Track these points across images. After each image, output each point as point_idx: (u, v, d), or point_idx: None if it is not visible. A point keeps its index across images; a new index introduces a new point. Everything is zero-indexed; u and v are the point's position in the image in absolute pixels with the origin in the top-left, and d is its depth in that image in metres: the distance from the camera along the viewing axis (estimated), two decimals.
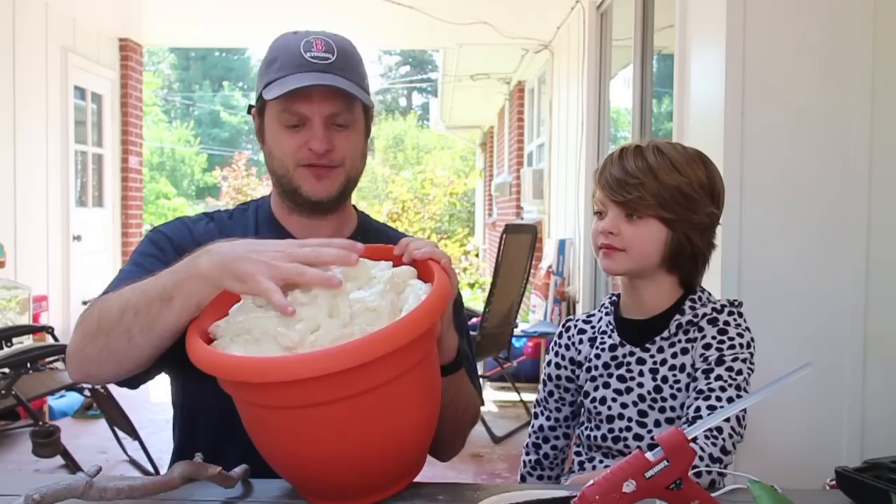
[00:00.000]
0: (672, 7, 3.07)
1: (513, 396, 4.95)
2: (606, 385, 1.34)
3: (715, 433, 1.17)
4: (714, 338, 1.29)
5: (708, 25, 2.68)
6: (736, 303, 1.35)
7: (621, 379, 1.33)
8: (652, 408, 1.30)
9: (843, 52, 2.37)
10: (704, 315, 1.31)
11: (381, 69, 27.11)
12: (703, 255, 1.34)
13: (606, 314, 1.40)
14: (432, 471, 1.11)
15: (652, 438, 1.29)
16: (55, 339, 3.91)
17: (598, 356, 1.36)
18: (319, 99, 1.24)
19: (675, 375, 1.29)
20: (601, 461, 1.33)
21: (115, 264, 6.66)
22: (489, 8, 5.71)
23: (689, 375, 1.29)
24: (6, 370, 3.35)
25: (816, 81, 2.39)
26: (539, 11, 5.87)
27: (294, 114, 1.24)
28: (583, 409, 1.39)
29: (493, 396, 5.14)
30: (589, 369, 1.36)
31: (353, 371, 0.88)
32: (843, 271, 2.39)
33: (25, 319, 4.69)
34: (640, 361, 1.32)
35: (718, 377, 1.24)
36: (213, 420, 1.24)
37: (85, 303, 6.21)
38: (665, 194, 1.27)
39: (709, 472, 1.14)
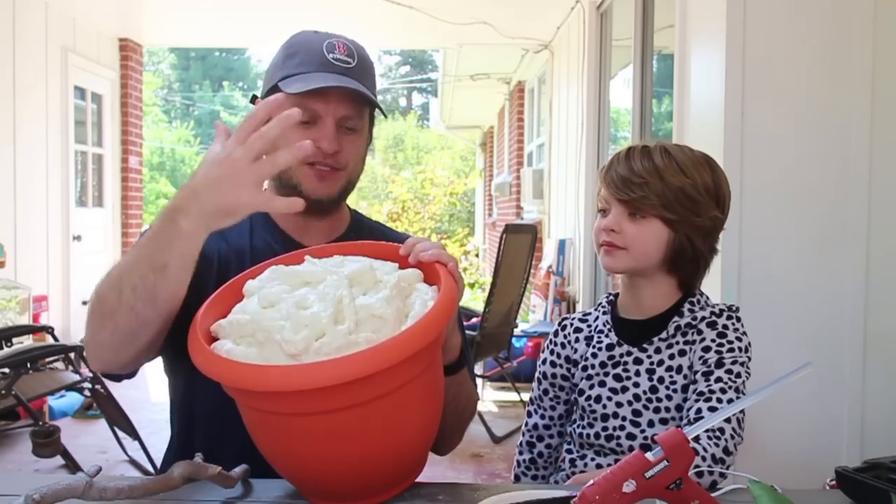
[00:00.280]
0: (672, 7, 3.07)
1: (513, 396, 4.95)
2: (602, 384, 1.34)
3: (717, 434, 1.18)
4: (713, 341, 1.29)
5: (708, 25, 2.68)
6: (734, 308, 1.36)
7: (617, 378, 1.33)
8: (647, 408, 1.30)
9: (843, 52, 2.37)
10: (703, 318, 1.32)
11: (381, 69, 27.10)
12: (705, 259, 1.34)
13: (604, 313, 1.40)
14: (432, 471, 1.11)
15: (645, 438, 1.29)
16: (55, 339, 3.91)
17: (594, 355, 1.36)
18: (336, 100, 1.25)
19: (671, 376, 1.30)
20: (592, 459, 1.34)
21: None
22: (489, 8, 5.71)
23: (685, 377, 1.29)
24: (6, 370, 3.35)
25: (816, 81, 2.39)
26: (539, 11, 5.87)
27: (308, 110, 1.24)
28: (576, 407, 1.39)
29: (493, 396, 5.14)
30: (585, 368, 1.37)
31: (358, 382, 0.88)
32: (843, 271, 2.39)
33: (25, 319, 4.69)
34: (637, 361, 1.33)
35: (718, 379, 1.24)
36: (211, 419, 1.24)
37: (85, 303, 6.22)
38: (669, 195, 1.27)
39: (710, 473, 1.15)
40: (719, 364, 1.26)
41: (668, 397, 1.29)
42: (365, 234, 1.40)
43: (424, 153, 20.79)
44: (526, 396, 4.66)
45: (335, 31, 1.33)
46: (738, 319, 1.34)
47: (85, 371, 3.77)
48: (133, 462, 3.75)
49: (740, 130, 2.41)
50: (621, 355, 1.34)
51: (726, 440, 1.17)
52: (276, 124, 0.99)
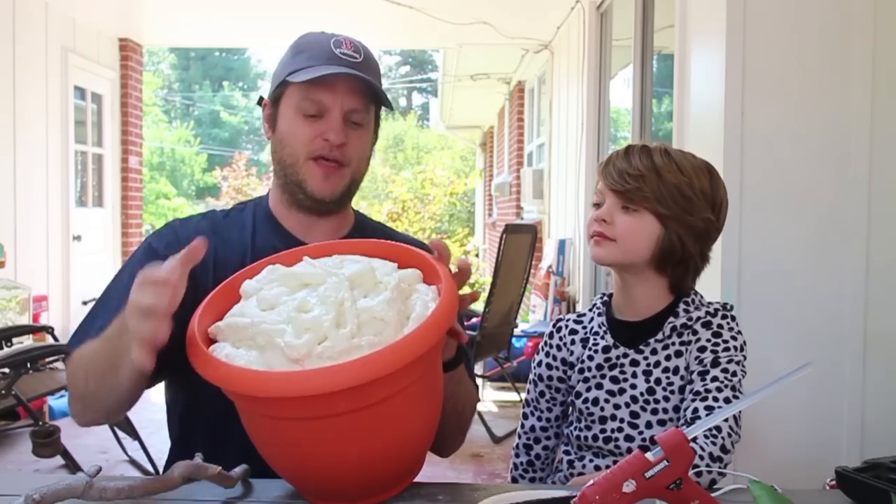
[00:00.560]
0: (672, 7, 3.07)
1: (513, 396, 4.95)
2: (599, 386, 1.34)
3: (714, 432, 1.18)
4: (709, 341, 1.29)
5: (708, 25, 2.68)
6: (728, 306, 1.36)
7: (614, 380, 1.33)
8: (644, 409, 1.30)
9: (843, 52, 2.37)
10: (698, 318, 1.32)
11: (381, 69, 27.05)
12: (695, 263, 1.33)
13: (599, 315, 1.40)
14: (432, 471, 1.11)
15: (643, 440, 1.29)
16: (55, 339, 3.91)
17: (591, 357, 1.36)
18: (343, 92, 1.26)
19: (668, 378, 1.30)
20: (591, 460, 1.34)
21: (115, 264, 6.66)
22: (489, 8, 5.71)
23: (682, 378, 1.29)
24: (6, 370, 3.35)
25: (816, 81, 2.39)
26: (539, 11, 5.87)
27: (315, 102, 1.26)
28: (573, 409, 1.39)
29: (493, 396, 5.14)
30: (581, 370, 1.36)
31: (360, 387, 0.88)
32: (842, 271, 2.39)
33: (25, 319, 4.70)
34: (634, 363, 1.32)
35: (714, 378, 1.25)
36: (213, 420, 1.24)
37: (85, 303, 6.20)
38: (664, 191, 1.28)
39: (709, 472, 1.15)
40: (715, 363, 1.26)
41: (666, 398, 1.29)
42: (368, 235, 1.39)
43: (424, 153, 20.79)
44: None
45: (335, 31, 1.33)
46: (733, 318, 1.34)
47: None
48: (133, 462, 3.75)
49: (740, 130, 2.41)
50: (618, 357, 1.34)
51: (723, 438, 1.17)
52: (150, 290, 0.97)
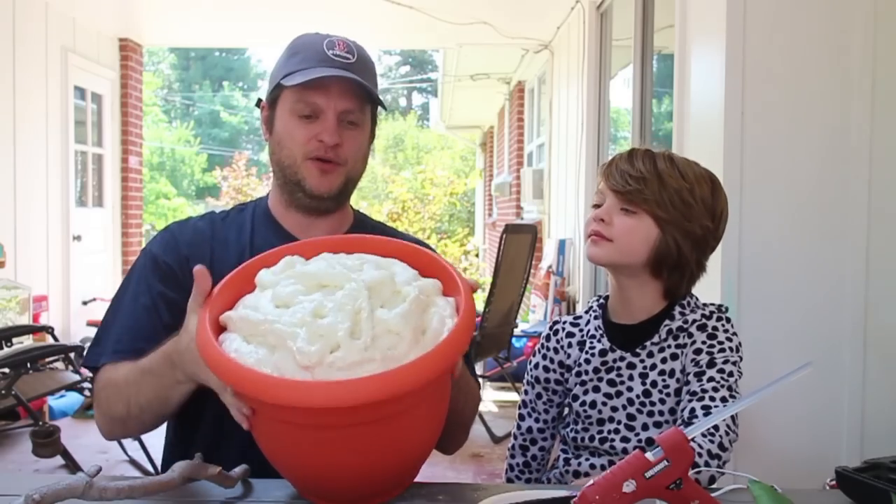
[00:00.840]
0: (672, 7, 3.07)
1: (513, 396, 4.95)
2: (596, 389, 1.34)
3: (712, 430, 1.18)
4: (704, 342, 1.30)
5: (708, 25, 2.68)
6: (723, 309, 1.37)
7: (611, 383, 1.34)
8: (640, 411, 1.31)
9: (843, 52, 2.37)
10: (694, 321, 1.32)
11: (381, 69, 27.09)
12: (690, 270, 1.33)
13: (595, 318, 1.40)
14: (432, 471, 1.12)
15: (640, 441, 1.30)
16: (55, 339, 3.91)
17: (587, 360, 1.36)
18: (336, 94, 1.27)
19: (664, 380, 1.30)
20: (587, 459, 1.34)
21: (115, 264, 6.66)
22: (489, 8, 5.71)
23: (678, 380, 1.30)
24: (6, 370, 3.35)
25: (816, 81, 2.39)
26: (539, 11, 5.87)
27: (309, 104, 1.27)
28: (569, 411, 1.39)
29: (493, 396, 5.14)
30: (579, 373, 1.37)
31: (368, 405, 0.88)
32: (842, 271, 2.39)
33: (25, 319, 4.69)
34: (631, 366, 1.33)
35: (710, 378, 1.25)
36: (214, 420, 1.24)
37: (85, 303, 6.17)
38: (664, 195, 1.28)
39: (707, 469, 1.15)
40: (711, 364, 1.27)
41: (662, 401, 1.30)
42: (367, 233, 1.40)
43: (424, 153, 20.79)
44: None
45: (335, 31, 1.34)
46: (728, 321, 1.35)
47: (85, 371, 3.78)
48: (133, 462, 3.75)
49: (740, 130, 2.41)
50: (614, 360, 1.34)
51: (721, 436, 1.18)
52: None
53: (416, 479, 1.09)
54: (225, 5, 5.95)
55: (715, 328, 1.32)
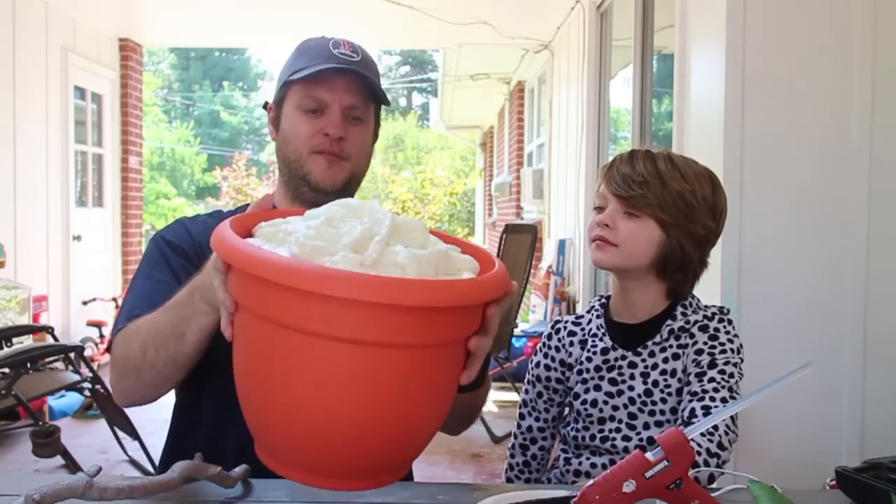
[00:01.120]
0: (672, 7, 3.07)
1: (513, 396, 4.95)
2: (598, 388, 1.35)
3: (711, 430, 1.19)
4: (706, 343, 1.30)
5: (708, 25, 2.68)
6: (725, 310, 1.37)
7: (613, 382, 1.34)
8: (642, 411, 1.31)
9: (843, 52, 2.37)
10: (696, 322, 1.33)
11: (381, 69, 26.95)
12: (694, 269, 1.34)
13: (597, 317, 1.40)
14: (432, 471, 1.12)
15: (641, 441, 1.30)
16: (55, 339, 3.91)
17: (589, 359, 1.37)
18: (341, 89, 1.30)
19: (665, 380, 1.31)
20: (588, 458, 1.35)
21: (115, 264, 6.66)
22: (489, 8, 5.71)
23: (679, 380, 1.31)
24: (6, 370, 3.35)
25: (816, 81, 2.39)
26: (539, 11, 5.87)
27: (315, 99, 1.30)
28: (570, 410, 1.39)
29: (493, 396, 5.14)
30: (580, 372, 1.37)
31: (416, 313, 0.79)
32: (843, 271, 2.39)
33: (25, 319, 4.69)
34: (632, 365, 1.33)
35: (711, 379, 1.25)
36: (214, 419, 1.25)
37: (85, 303, 6.17)
38: (667, 197, 1.29)
39: (707, 467, 1.15)
40: (712, 365, 1.27)
41: (663, 400, 1.30)
42: None
43: (424, 153, 20.80)
44: None
45: (335, 31, 1.37)
46: (730, 322, 1.35)
47: (85, 371, 3.78)
48: (133, 462, 3.75)
49: (740, 130, 2.41)
50: (616, 359, 1.34)
51: (720, 435, 1.18)
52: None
53: (416, 479, 1.09)
54: (225, 5, 5.95)
55: (717, 329, 1.32)
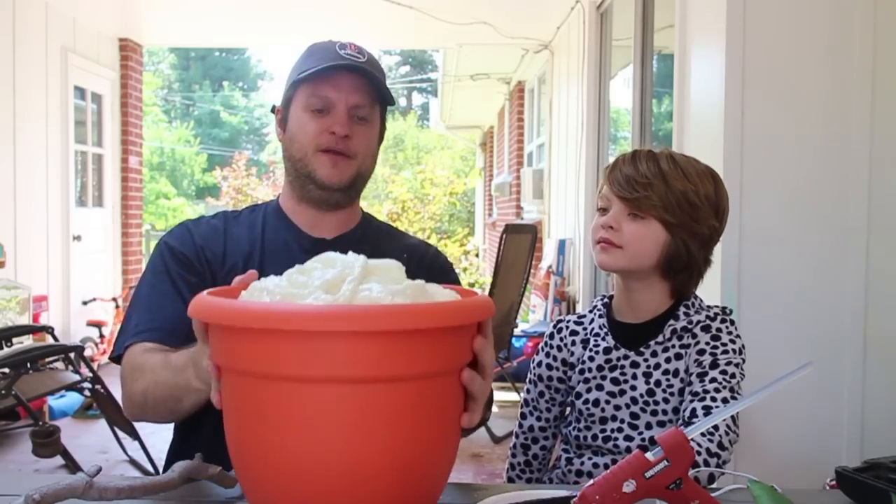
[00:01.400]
0: (672, 7, 3.07)
1: (513, 396, 4.95)
2: (600, 387, 1.35)
3: (711, 430, 1.19)
4: (708, 343, 1.30)
5: (708, 25, 2.68)
6: (727, 311, 1.37)
7: (615, 382, 1.34)
8: (644, 411, 1.31)
9: (843, 52, 2.37)
10: (698, 322, 1.33)
11: (383, 71, 27.05)
12: (698, 268, 1.35)
13: (599, 316, 1.40)
14: None
15: (643, 440, 1.30)
16: (55, 339, 3.91)
17: (591, 358, 1.37)
18: (347, 88, 1.32)
19: (668, 380, 1.31)
20: (590, 458, 1.35)
21: (115, 264, 6.66)
22: (489, 8, 5.71)
23: (681, 380, 1.30)
24: (6, 370, 3.35)
25: (816, 81, 2.39)
26: (539, 11, 5.87)
27: (321, 98, 1.32)
28: (572, 410, 1.39)
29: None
30: (582, 371, 1.37)
31: (395, 339, 0.76)
32: (843, 271, 2.39)
33: (25, 319, 4.69)
34: (634, 365, 1.33)
35: (713, 379, 1.25)
36: (218, 419, 1.25)
37: (85, 303, 6.16)
38: (671, 198, 1.29)
39: (707, 467, 1.15)
40: (713, 365, 1.27)
41: (666, 400, 1.30)
42: (373, 233, 1.45)
43: (424, 153, 20.79)
44: None
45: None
46: (732, 322, 1.35)
47: (85, 371, 3.77)
48: (133, 462, 3.75)
49: (740, 130, 2.41)
50: (618, 359, 1.34)
51: (721, 436, 1.18)
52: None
53: None
54: (225, 5, 5.95)
55: (719, 330, 1.32)
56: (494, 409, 4.84)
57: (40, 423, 3.35)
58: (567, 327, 1.43)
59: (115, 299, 6.09)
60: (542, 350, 1.45)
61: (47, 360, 3.75)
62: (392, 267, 0.89)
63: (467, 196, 15.71)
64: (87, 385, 3.74)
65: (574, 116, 5.33)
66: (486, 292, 4.35)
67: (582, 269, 5.12)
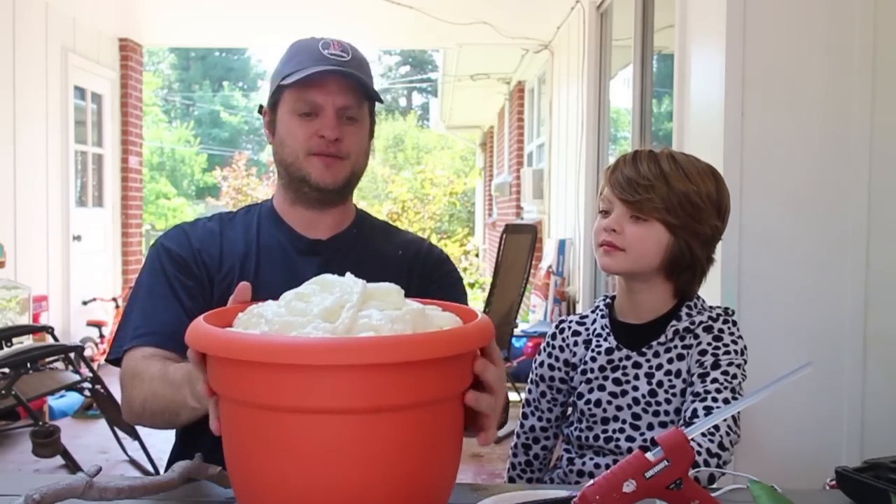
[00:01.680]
0: (672, 7, 3.07)
1: (513, 396, 4.95)
2: (602, 388, 1.34)
3: (712, 430, 1.18)
4: (710, 344, 1.30)
5: (708, 25, 2.68)
6: (730, 311, 1.37)
7: (617, 382, 1.34)
8: (646, 411, 1.31)
9: (843, 52, 2.37)
10: (700, 323, 1.33)
11: (381, 69, 27.07)
12: (701, 267, 1.35)
13: (602, 316, 1.40)
14: None
15: (644, 441, 1.30)
16: (55, 339, 3.91)
17: (593, 359, 1.36)
18: (334, 90, 1.31)
19: (670, 380, 1.31)
20: (591, 458, 1.34)
21: (115, 264, 6.66)
22: (489, 8, 5.71)
23: (683, 381, 1.30)
24: (6, 370, 3.35)
25: (816, 81, 2.39)
26: (539, 11, 5.87)
27: (308, 102, 1.31)
28: (574, 410, 1.39)
29: None
30: (584, 371, 1.37)
31: (393, 371, 0.76)
32: (843, 271, 2.39)
33: (25, 319, 4.69)
34: (637, 365, 1.33)
35: (714, 380, 1.25)
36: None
37: (85, 303, 6.15)
38: (673, 199, 1.28)
39: (707, 467, 1.15)
40: (715, 366, 1.27)
41: (668, 401, 1.30)
42: (368, 231, 1.45)
43: (424, 153, 20.79)
44: None
45: (335, 31, 1.37)
46: (734, 323, 1.35)
47: (85, 371, 3.77)
48: (133, 462, 3.75)
49: (740, 130, 2.41)
50: (620, 359, 1.34)
51: (721, 436, 1.18)
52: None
53: None
54: (225, 5, 5.95)
55: (721, 330, 1.32)
56: None
57: (40, 423, 3.35)
58: (569, 328, 1.43)
59: (115, 299, 6.09)
60: (544, 350, 1.45)
61: (47, 360, 3.75)
62: (391, 291, 0.89)
63: (467, 196, 15.71)
64: (87, 385, 3.74)
65: (574, 116, 5.33)
66: (486, 292, 4.35)
67: (582, 269, 5.12)
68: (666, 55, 3.87)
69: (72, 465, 3.32)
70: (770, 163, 2.41)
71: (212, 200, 18.16)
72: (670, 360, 1.32)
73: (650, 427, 1.30)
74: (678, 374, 1.30)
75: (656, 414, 1.30)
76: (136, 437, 3.59)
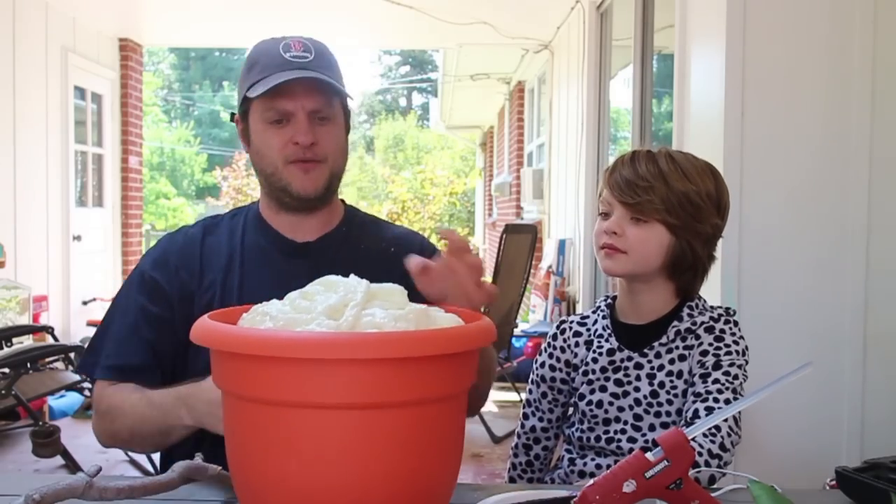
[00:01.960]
0: (672, 7, 3.07)
1: (513, 396, 4.95)
2: (603, 388, 1.34)
3: (713, 431, 1.18)
4: (711, 345, 1.30)
5: (708, 25, 2.68)
6: (731, 312, 1.37)
7: (618, 383, 1.33)
8: (647, 412, 1.31)
9: (843, 53, 2.37)
10: (702, 323, 1.32)
11: (381, 69, 27.10)
12: (703, 266, 1.35)
13: (603, 317, 1.40)
14: None
15: (646, 442, 1.30)
16: (55, 339, 3.91)
17: (595, 359, 1.36)
18: (302, 94, 1.29)
19: (671, 381, 1.30)
20: (592, 459, 1.34)
21: (115, 264, 6.66)
22: (489, 8, 5.71)
23: (685, 382, 1.30)
24: (6, 370, 3.35)
25: (816, 81, 2.39)
26: (539, 11, 5.87)
27: (278, 110, 1.30)
28: (575, 411, 1.39)
29: (493, 396, 5.13)
30: (585, 372, 1.37)
31: (396, 366, 0.77)
32: (843, 271, 2.39)
33: (25, 319, 4.69)
34: (638, 366, 1.33)
35: (716, 381, 1.25)
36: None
37: (85, 303, 6.15)
38: (673, 200, 1.28)
39: (708, 467, 1.15)
40: (717, 366, 1.27)
41: (669, 402, 1.30)
42: (357, 228, 1.44)
43: (424, 153, 20.80)
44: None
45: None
46: (736, 324, 1.35)
47: None
48: (133, 462, 3.75)
49: (740, 130, 2.41)
50: (622, 360, 1.34)
51: (722, 437, 1.18)
52: None
53: None
54: (225, 5, 5.95)
55: (722, 331, 1.32)
56: (494, 409, 4.84)
57: (40, 423, 3.35)
58: (570, 328, 1.43)
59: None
60: (545, 351, 1.45)
61: (47, 360, 3.75)
62: (395, 291, 0.90)
63: (467, 196, 15.72)
64: (87, 385, 3.74)
65: (574, 116, 5.33)
66: None
67: (582, 269, 5.12)
68: (666, 55, 3.87)
69: (72, 465, 3.32)
70: (770, 163, 2.41)
71: (212, 200, 18.17)
72: (672, 361, 1.31)
73: (652, 428, 1.30)
74: (680, 374, 1.30)
75: (658, 415, 1.30)
76: None
